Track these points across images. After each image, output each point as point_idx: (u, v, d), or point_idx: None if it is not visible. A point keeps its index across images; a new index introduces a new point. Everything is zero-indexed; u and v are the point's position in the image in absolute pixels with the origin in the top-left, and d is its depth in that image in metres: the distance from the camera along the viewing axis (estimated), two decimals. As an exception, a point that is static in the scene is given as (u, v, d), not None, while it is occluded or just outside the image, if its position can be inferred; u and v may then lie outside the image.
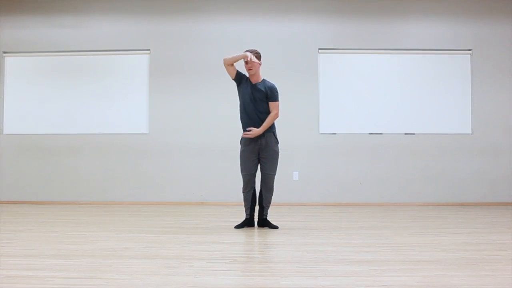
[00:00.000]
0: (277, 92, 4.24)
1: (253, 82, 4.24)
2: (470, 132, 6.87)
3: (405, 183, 6.78)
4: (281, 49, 6.86)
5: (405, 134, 6.86)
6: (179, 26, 6.95)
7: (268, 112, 4.21)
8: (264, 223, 4.32)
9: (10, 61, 7.10)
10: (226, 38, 6.91)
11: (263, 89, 4.20)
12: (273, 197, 4.36)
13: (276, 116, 4.23)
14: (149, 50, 6.96)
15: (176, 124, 6.87)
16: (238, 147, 4.36)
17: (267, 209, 4.34)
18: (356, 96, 6.93)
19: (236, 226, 4.30)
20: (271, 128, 4.25)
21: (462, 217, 5.23)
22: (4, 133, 7.01)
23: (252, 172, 4.25)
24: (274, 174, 4.28)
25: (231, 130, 6.68)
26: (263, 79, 4.29)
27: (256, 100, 4.18)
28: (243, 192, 4.31)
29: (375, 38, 6.91)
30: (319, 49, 6.90)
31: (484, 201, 6.76)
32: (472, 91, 6.90)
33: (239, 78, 4.27)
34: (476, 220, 4.90)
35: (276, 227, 4.25)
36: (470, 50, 6.93)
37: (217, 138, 6.79)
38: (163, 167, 6.83)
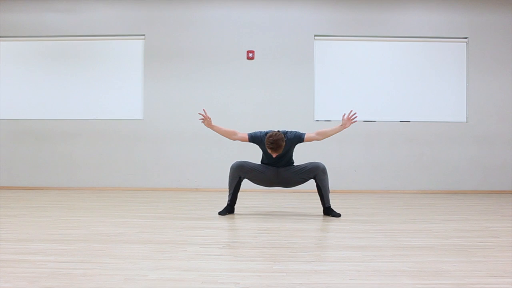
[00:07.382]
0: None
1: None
2: (465, 120, 6.89)
3: (399, 171, 6.80)
4: (276, 35, 6.80)
5: (400, 121, 6.86)
6: (175, 11, 6.88)
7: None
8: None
9: (4, 45, 7.01)
10: (222, 24, 6.85)
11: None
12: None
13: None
14: (144, 35, 6.89)
15: (171, 110, 6.83)
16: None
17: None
18: (352, 83, 6.91)
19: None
20: None
21: (455, 204, 5.26)
22: (-3, 118, 6.96)
23: None
24: None
25: (226, 117, 6.66)
26: None
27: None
28: None
29: (371, 25, 6.87)
30: (315, 35, 6.85)
31: (477, 189, 6.80)
32: (468, 79, 6.89)
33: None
34: (469, 208, 4.94)
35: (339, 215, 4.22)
36: (466, 38, 6.91)
37: (212, 124, 6.75)
38: (157, 153, 6.81)
